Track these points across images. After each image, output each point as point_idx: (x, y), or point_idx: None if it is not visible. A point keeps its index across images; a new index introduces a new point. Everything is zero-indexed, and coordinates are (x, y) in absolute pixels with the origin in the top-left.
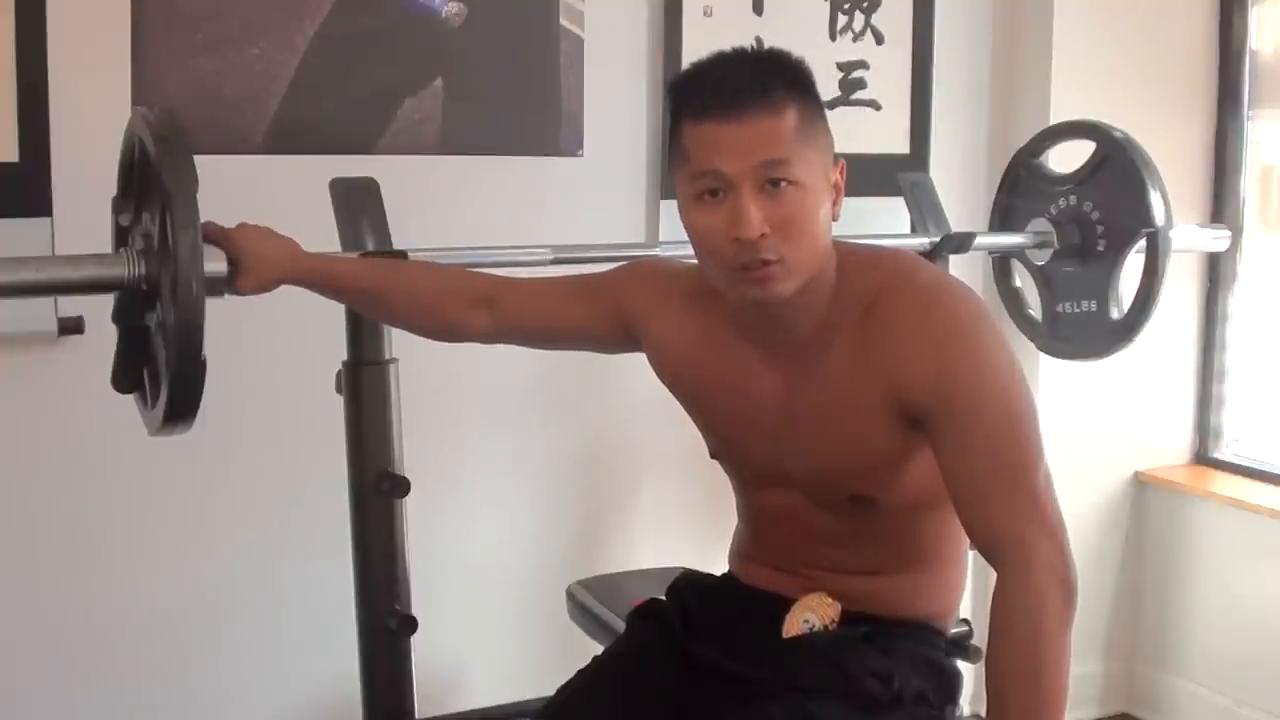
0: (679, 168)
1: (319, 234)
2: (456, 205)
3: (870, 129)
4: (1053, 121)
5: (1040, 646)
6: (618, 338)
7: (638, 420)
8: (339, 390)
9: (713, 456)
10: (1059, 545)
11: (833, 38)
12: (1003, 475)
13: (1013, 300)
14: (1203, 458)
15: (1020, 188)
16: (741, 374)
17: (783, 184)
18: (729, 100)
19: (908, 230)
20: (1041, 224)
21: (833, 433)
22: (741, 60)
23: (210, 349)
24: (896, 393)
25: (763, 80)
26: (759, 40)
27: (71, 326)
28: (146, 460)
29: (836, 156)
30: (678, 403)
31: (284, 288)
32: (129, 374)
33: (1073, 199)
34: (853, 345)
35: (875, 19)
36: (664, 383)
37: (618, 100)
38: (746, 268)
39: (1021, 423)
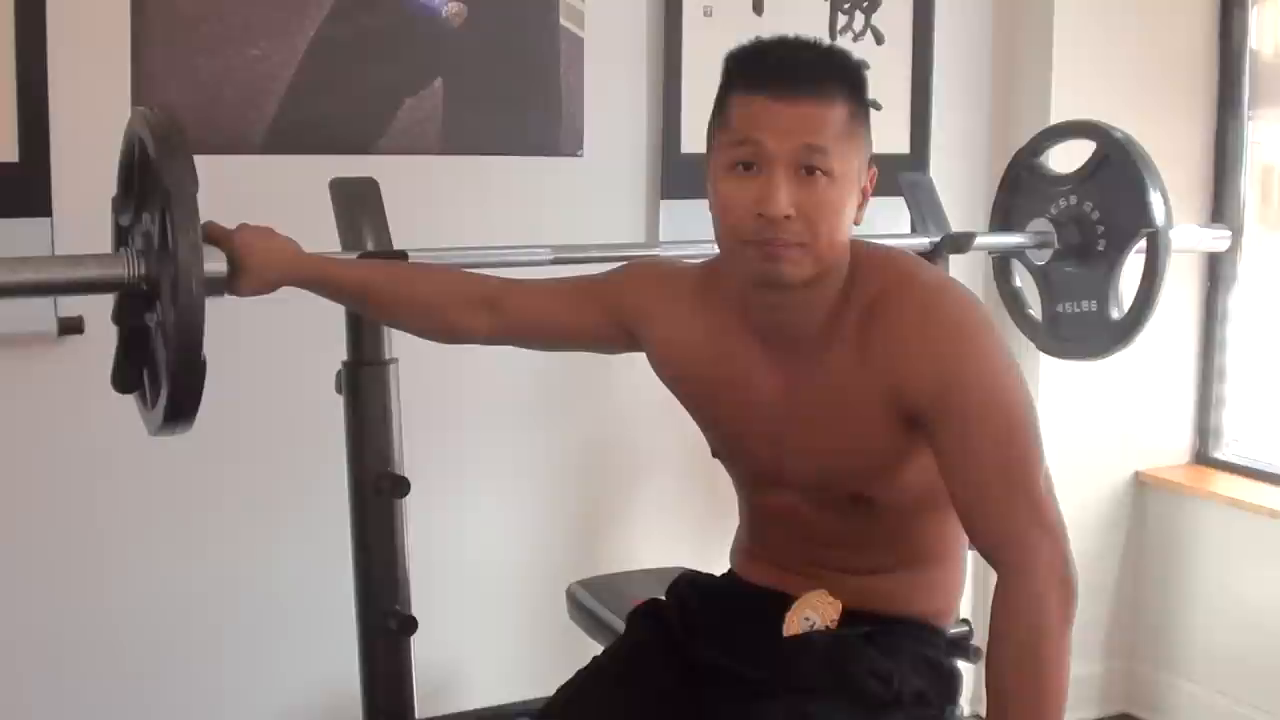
0: (718, 134)
1: (319, 234)
2: (456, 205)
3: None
4: (1053, 121)
5: (1040, 647)
6: (618, 338)
7: (638, 420)
8: (339, 390)
9: (714, 455)
10: (1059, 546)
11: (833, 37)
12: (1002, 477)
13: (1013, 300)
14: (1203, 458)
15: (1020, 188)
16: (742, 373)
17: (817, 172)
18: (786, 80)
19: (908, 230)
20: (1041, 224)
21: (832, 432)
22: (807, 47)
23: (210, 349)
24: (896, 394)
25: (822, 71)
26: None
27: (71, 326)
28: (146, 460)
29: (870, 163)
30: (678, 403)
31: (284, 288)
32: (129, 374)
33: (1073, 199)
34: (853, 345)
35: (875, 19)
36: (664, 382)
37: (618, 100)
38: (762, 244)
39: (1021, 424)
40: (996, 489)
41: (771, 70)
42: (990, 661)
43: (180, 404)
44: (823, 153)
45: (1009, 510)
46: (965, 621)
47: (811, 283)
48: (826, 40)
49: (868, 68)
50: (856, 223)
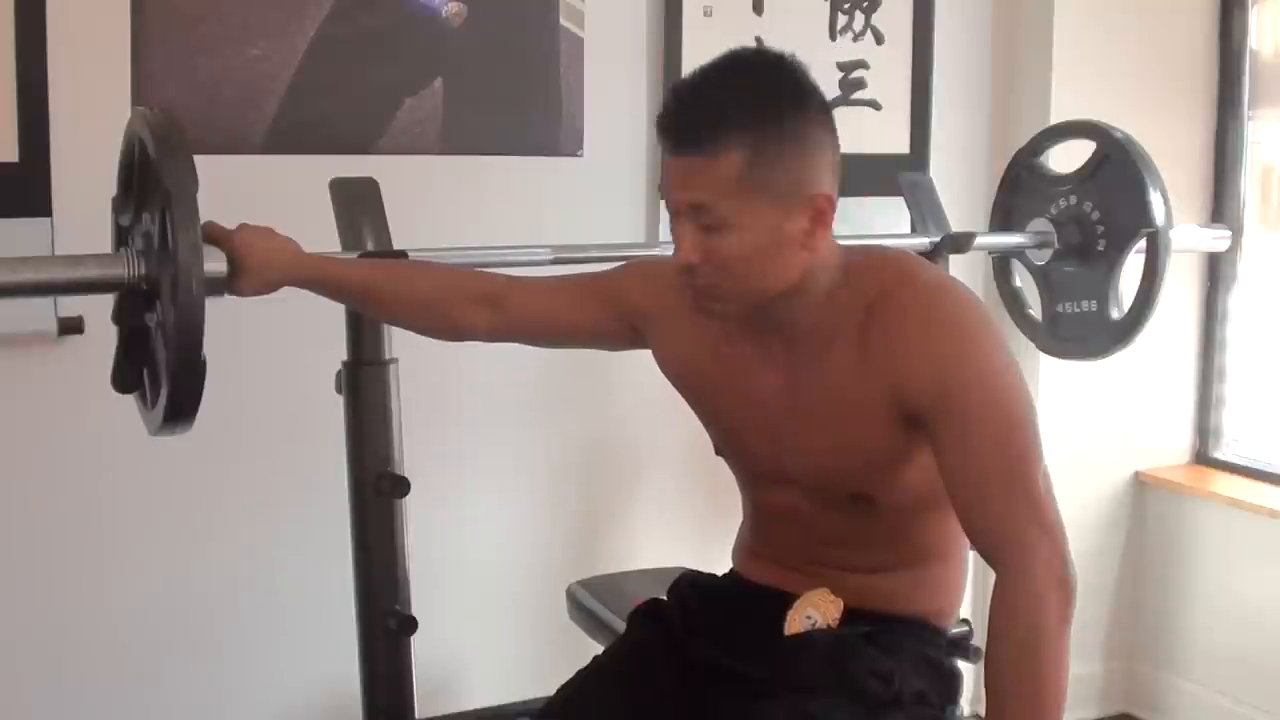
0: None
1: (319, 234)
2: (456, 205)
3: (870, 129)
4: (1053, 121)
5: (1039, 648)
6: (623, 335)
7: (638, 419)
8: (339, 390)
9: (717, 454)
10: (1058, 546)
11: (833, 38)
12: (1001, 477)
13: (1013, 300)
14: (1203, 458)
15: (1020, 188)
16: (743, 371)
17: (711, 225)
18: (674, 136)
19: (908, 230)
20: (1041, 224)
21: (832, 431)
22: (705, 92)
23: (210, 349)
24: (896, 393)
25: (712, 121)
26: (756, 51)
27: (71, 326)
28: (146, 460)
29: (822, 184)
30: (678, 402)
31: (284, 288)
32: (129, 374)
33: (1073, 199)
34: (854, 345)
35: (875, 19)
36: (668, 378)
37: (618, 100)
38: (686, 285)
39: (1020, 425)
40: (996, 489)
41: (662, 124)
42: (989, 661)
43: (180, 404)
44: (710, 209)
45: (1008, 510)
46: (965, 621)
47: (775, 304)
48: (747, 68)
49: (866, 67)
50: (810, 250)
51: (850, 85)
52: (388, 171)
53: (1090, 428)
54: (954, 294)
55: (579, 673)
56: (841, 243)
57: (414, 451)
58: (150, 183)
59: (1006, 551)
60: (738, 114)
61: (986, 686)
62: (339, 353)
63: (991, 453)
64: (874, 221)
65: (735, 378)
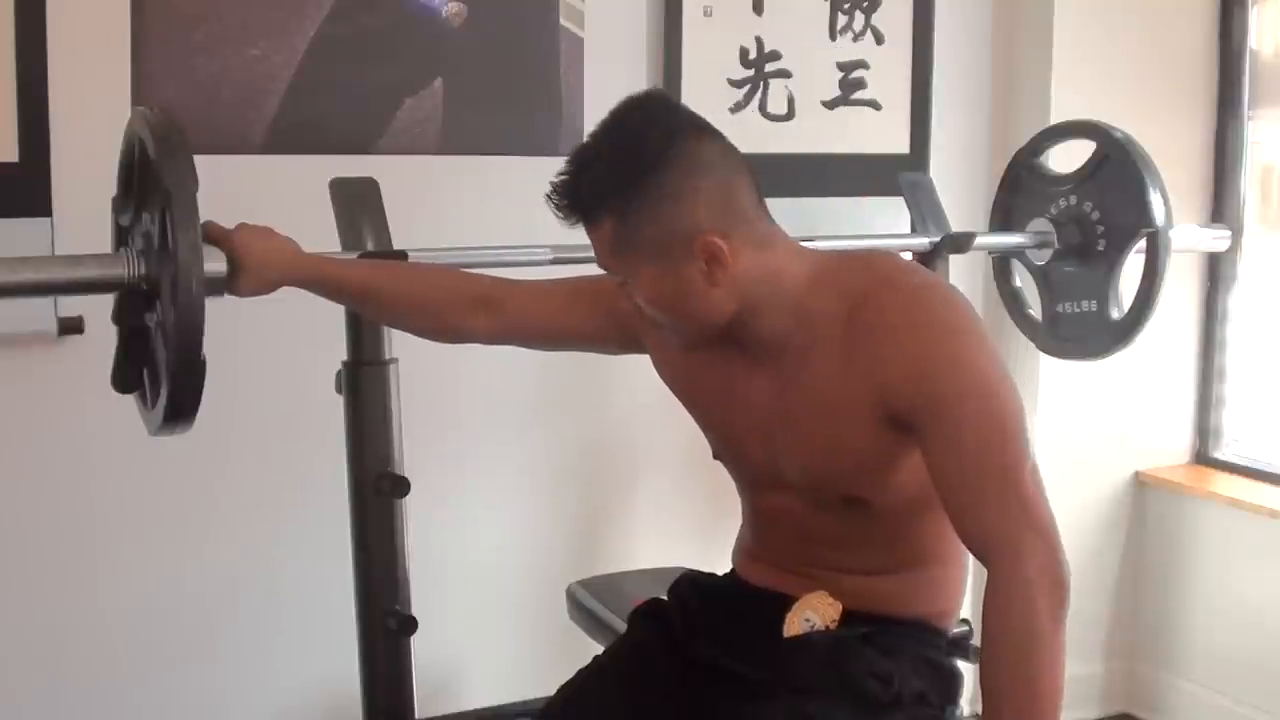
0: None
1: (319, 234)
2: (456, 205)
3: (870, 129)
4: (1053, 121)
5: (1033, 647)
6: (621, 338)
7: (637, 420)
8: (339, 390)
9: (715, 458)
10: (1050, 545)
11: (833, 38)
12: (991, 476)
13: (1013, 300)
14: (1203, 458)
15: (1020, 188)
16: (735, 377)
17: (623, 280)
18: (556, 209)
19: (908, 230)
20: (1041, 224)
21: (821, 434)
22: (577, 166)
23: (210, 349)
24: (881, 394)
25: (578, 197)
26: (621, 114)
27: (71, 326)
28: (146, 460)
29: (705, 231)
30: (676, 404)
31: (284, 288)
32: (129, 374)
33: (1073, 199)
34: (839, 347)
35: (875, 19)
36: (665, 382)
37: (617, 100)
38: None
39: (1008, 424)
40: (985, 489)
41: (548, 198)
42: (984, 664)
43: (180, 404)
44: (610, 270)
45: (998, 510)
46: (965, 621)
47: (732, 325)
48: (606, 138)
49: (866, 67)
50: (718, 284)
51: (850, 85)
52: (388, 171)
53: (1090, 428)
54: (938, 294)
55: (579, 673)
56: (822, 246)
57: (414, 451)
58: (150, 183)
59: (1000, 554)
60: (596, 189)
61: (982, 689)
62: (339, 353)
63: (978, 452)
64: (874, 221)
65: (727, 383)
